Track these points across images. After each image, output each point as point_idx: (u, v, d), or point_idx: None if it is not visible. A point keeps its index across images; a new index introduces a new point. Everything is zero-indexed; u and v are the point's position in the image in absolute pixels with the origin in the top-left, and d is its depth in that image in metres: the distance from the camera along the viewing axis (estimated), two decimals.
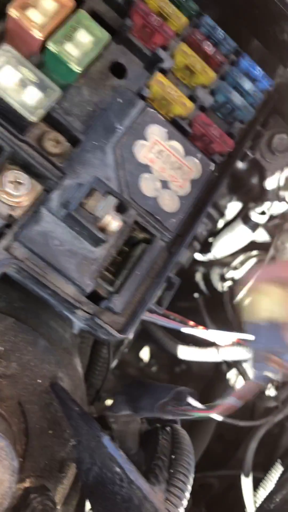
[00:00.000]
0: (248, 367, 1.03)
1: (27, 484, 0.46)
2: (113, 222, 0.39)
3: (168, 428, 0.57)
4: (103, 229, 0.39)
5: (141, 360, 1.27)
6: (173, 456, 0.53)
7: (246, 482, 0.93)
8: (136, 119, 0.45)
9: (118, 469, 0.41)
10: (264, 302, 0.40)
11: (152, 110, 0.46)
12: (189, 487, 0.50)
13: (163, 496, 0.46)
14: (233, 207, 0.98)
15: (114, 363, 1.01)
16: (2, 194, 0.38)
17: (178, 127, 0.47)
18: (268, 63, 0.58)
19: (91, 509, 0.44)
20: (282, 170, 0.66)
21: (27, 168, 0.39)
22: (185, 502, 0.49)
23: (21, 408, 0.46)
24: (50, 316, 0.48)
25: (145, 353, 1.27)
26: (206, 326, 0.91)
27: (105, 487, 0.42)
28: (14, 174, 0.38)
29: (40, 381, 0.46)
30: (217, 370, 1.17)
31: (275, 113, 0.60)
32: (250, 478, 0.93)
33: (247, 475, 0.92)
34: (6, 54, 0.37)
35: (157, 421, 0.58)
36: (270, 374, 0.39)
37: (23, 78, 0.37)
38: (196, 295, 1.15)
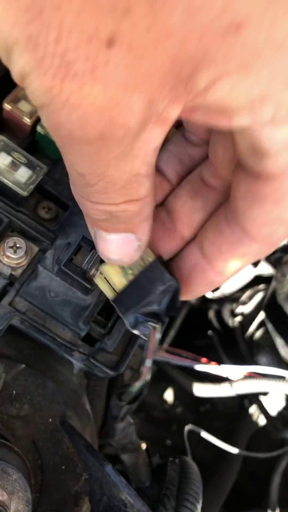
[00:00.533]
0: (265, 399, 1.04)
1: None
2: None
3: (177, 460, 0.60)
4: (90, 280, 0.45)
5: (165, 401, 1.29)
6: (181, 486, 0.56)
7: None
8: None
9: (121, 496, 0.45)
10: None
11: None
12: None
13: None
14: None
15: (134, 405, 1.05)
16: (4, 258, 0.45)
17: None
18: None
19: None
20: None
21: (24, 233, 0.47)
22: None
23: (35, 446, 0.51)
24: (56, 361, 0.54)
25: (169, 395, 1.29)
26: (222, 362, 0.94)
27: None
28: (13, 240, 0.45)
29: (51, 420, 0.52)
30: (241, 407, 1.19)
31: None
32: None
33: (273, 510, 0.92)
34: (0, 143, 0.45)
35: (168, 455, 0.62)
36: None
37: (15, 161, 0.45)
38: (210, 332, 1.19)
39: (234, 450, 0.87)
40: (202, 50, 0.20)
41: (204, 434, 0.83)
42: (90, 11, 0.18)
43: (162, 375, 1.18)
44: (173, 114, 0.23)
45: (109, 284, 0.39)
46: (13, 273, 0.45)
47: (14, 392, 0.50)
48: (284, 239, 0.32)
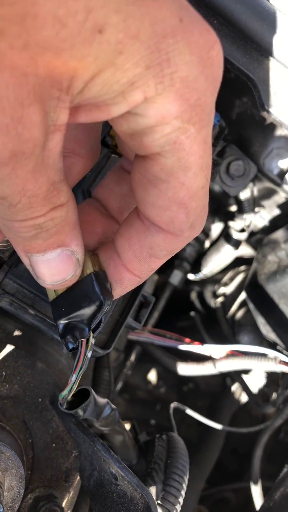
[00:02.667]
0: (246, 377, 1.07)
1: (36, 494, 0.51)
2: None
3: (164, 436, 0.62)
4: None
5: (149, 382, 1.31)
6: (168, 460, 0.58)
7: (256, 490, 0.96)
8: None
9: (112, 470, 0.46)
10: None
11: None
12: (184, 486, 0.56)
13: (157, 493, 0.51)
14: (216, 228, 1.05)
15: (119, 386, 1.07)
16: None
17: None
18: (224, 99, 0.65)
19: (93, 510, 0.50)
20: (244, 190, 0.73)
21: None
22: (181, 500, 0.55)
23: (26, 425, 0.52)
24: (45, 342, 0.55)
25: (152, 376, 1.32)
26: (204, 342, 0.96)
27: (104, 487, 0.48)
28: None
29: (40, 400, 0.53)
30: (223, 385, 1.22)
31: (232, 142, 0.67)
32: (259, 486, 0.96)
33: (255, 483, 0.96)
34: None
35: (155, 432, 0.63)
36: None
37: None
38: (192, 313, 1.21)
39: (217, 426, 0.90)
40: (75, 56, 0.22)
41: (189, 412, 0.86)
42: None
43: (146, 357, 1.20)
44: (64, 119, 0.25)
45: None
46: (1, 255, 0.45)
47: (3, 373, 0.50)
48: (189, 227, 0.32)
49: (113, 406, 0.54)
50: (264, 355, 0.89)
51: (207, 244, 1.08)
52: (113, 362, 0.92)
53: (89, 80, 0.24)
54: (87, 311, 0.36)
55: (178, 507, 0.54)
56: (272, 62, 0.55)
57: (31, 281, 0.45)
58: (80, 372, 0.40)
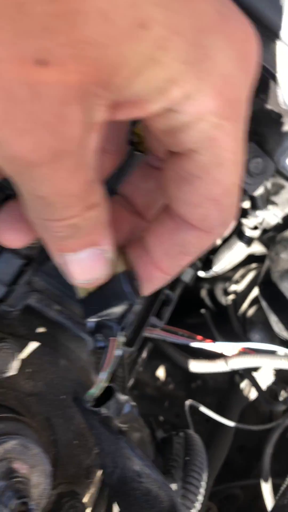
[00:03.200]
0: (255, 374, 1.07)
1: (59, 490, 0.51)
2: None
3: (181, 434, 0.62)
4: None
5: (157, 379, 1.32)
6: (187, 458, 0.58)
7: (266, 487, 0.96)
8: None
9: (136, 467, 0.47)
10: None
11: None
12: (203, 484, 0.56)
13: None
14: None
15: (130, 382, 1.07)
16: None
17: None
18: None
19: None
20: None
21: None
22: (200, 498, 0.55)
23: (49, 422, 0.52)
24: (67, 340, 0.55)
25: (161, 372, 1.32)
26: (214, 339, 0.96)
27: (126, 485, 0.48)
28: None
29: (63, 397, 0.53)
30: (231, 382, 1.22)
31: (251, 141, 0.67)
32: (269, 483, 0.97)
33: (265, 480, 0.96)
34: None
35: (172, 429, 0.64)
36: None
37: None
38: (203, 310, 1.21)
39: (230, 423, 0.90)
40: (119, 53, 0.22)
41: (203, 409, 0.86)
42: (14, 35, 0.20)
43: (154, 354, 1.20)
44: (103, 116, 0.25)
45: None
46: (30, 252, 0.45)
47: (29, 370, 0.51)
48: (221, 224, 0.31)
49: (133, 403, 0.54)
50: (274, 352, 0.89)
51: (218, 241, 1.08)
52: (127, 358, 0.92)
53: (131, 77, 0.23)
54: (117, 309, 0.36)
55: (198, 505, 0.55)
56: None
57: (59, 279, 0.45)
58: (109, 370, 0.40)
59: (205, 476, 0.57)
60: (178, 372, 1.26)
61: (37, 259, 0.45)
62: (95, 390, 0.42)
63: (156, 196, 0.39)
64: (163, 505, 0.44)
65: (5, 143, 0.23)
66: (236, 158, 0.29)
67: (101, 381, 0.41)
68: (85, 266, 0.32)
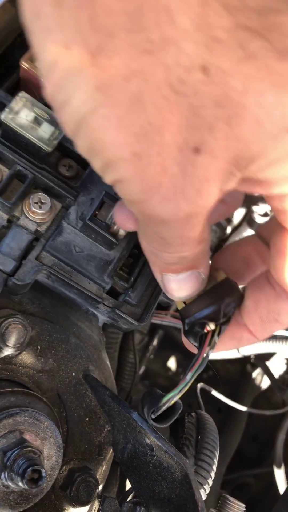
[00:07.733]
0: (271, 364, 1.07)
1: (71, 466, 0.52)
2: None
3: (193, 413, 0.62)
4: (114, 234, 0.46)
5: (169, 369, 1.32)
6: (199, 436, 0.58)
7: (279, 474, 0.96)
8: None
9: (148, 440, 0.47)
10: None
11: None
12: (216, 461, 0.56)
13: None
14: (238, 212, 1.05)
15: (141, 370, 1.07)
16: (30, 213, 0.45)
17: None
18: None
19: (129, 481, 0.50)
20: None
21: (47, 190, 0.47)
22: (213, 474, 0.55)
23: (60, 399, 0.52)
24: (78, 318, 0.55)
25: (172, 363, 1.32)
26: None
27: (138, 459, 0.48)
28: (38, 196, 0.46)
29: (74, 374, 0.53)
30: (243, 372, 1.22)
31: None
32: (283, 470, 0.96)
33: (279, 466, 0.96)
34: (22, 99, 0.45)
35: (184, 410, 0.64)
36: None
37: (37, 117, 0.45)
38: None
39: (242, 408, 0.90)
40: (259, 149, 0.26)
41: (215, 393, 0.86)
42: (183, 129, 0.25)
43: (165, 344, 1.20)
44: (231, 187, 0.28)
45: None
46: (38, 228, 0.46)
47: (39, 347, 0.51)
48: None
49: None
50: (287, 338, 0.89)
51: (228, 230, 1.08)
52: (138, 345, 0.92)
53: (265, 167, 0.27)
54: (224, 304, 0.37)
55: (210, 481, 0.55)
56: None
57: (68, 254, 0.46)
58: (197, 371, 0.39)
59: (217, 454, 0.57)
60: (189, 362, 1.26)
61: (45, 234, 0.46)
62: (176, 392, 0.41)
63: (255, 262, 0.42)
64: (176, 475, 0.44)
65: (146, 206, 0.27)
66: None
67: (185, 382, 0.40)
68: (183, 285, 0.35)
